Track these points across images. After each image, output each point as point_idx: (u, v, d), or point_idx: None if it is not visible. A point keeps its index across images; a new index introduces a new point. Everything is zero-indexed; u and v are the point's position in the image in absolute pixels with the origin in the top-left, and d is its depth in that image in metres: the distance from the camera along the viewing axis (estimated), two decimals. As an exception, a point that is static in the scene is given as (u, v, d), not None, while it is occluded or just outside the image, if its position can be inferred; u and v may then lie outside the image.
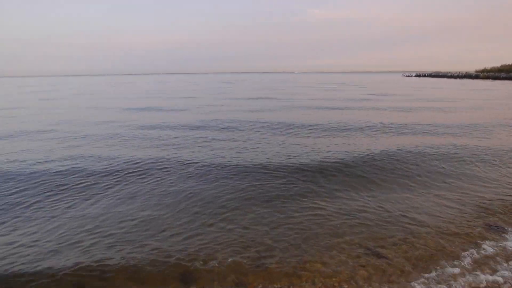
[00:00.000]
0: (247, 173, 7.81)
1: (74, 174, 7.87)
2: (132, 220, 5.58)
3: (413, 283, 4.00)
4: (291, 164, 8.38)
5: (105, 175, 7.81)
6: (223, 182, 7.33)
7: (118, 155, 9.70)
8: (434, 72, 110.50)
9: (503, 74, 69.06)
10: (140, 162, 8.81)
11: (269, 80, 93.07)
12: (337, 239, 4.97)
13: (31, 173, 7.99)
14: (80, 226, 5.38)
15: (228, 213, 5.84)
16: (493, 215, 5.80)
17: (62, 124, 15.86)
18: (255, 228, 5.31)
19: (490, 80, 68.93)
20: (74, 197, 6.59)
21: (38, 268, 4.22)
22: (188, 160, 8.99)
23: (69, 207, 6.16)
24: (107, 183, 7.32)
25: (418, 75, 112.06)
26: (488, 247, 4.74)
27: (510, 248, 4.74)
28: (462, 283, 3.99)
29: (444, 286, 3.95)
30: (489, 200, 6.43)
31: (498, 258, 4.52)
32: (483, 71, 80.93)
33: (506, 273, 4.18)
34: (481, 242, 4.89)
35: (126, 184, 7.29)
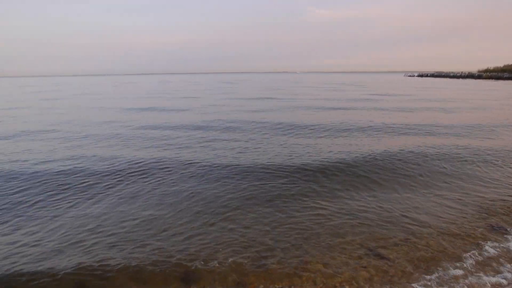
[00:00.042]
0: (248, 173, 7.81)
1: (76, 174, 7.89)
2: (134, 219, 5.59)
3: (415, 285, 3.98)
4: (292, 164, 8.37)
5: (106, 175, 7.82)
6: (224, 182, 7.33)
7: (119, 155, 9.72)
8: (436, 72, 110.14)
9: (506, 74, 68.75)
10: (141, 162, 8.83)
11: (271, 80, 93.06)
12: (338, 239, 4.97)
13: (34, 172, 8.02)
14: (82, 226, 5.39)
15: (229, 212, 5.84)
16: (495, 215, 5.77)
17: (64, 124, 15.92)
18: (256, 228, 5.31)
19: (493, 80, 68.66)
20: (76, 197, 6.61)
21: (40, 268, 4.24)
22: (189, 160, 9.00)
23: (71, 206, 6.18)
24: (108, 183, 7.34)
25: (421, 75, 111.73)
26: (490, 248, 4.71)
27: (513, 249, 4.70)
28: (465, 285, 3.96)
29: (446, 288, 3.94)
30: (491, 200, 6.41)
31: (501, 259, 4.48)
32: (486, 71, 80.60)
33: (510, 275, 4.14)
34: (483, 243, 4.87)
35: (128, 184, 7.30)
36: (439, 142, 11.10)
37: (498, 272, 4.22)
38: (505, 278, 4.08)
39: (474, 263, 4.38)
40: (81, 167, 8.41)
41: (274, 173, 7.79)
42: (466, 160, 8.92)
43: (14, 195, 6.70)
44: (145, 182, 7.41)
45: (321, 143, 11.03)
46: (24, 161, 9.15)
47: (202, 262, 4.35)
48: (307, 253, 4.61)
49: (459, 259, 4.47)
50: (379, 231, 5.19)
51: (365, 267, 4.30)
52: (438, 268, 4.28)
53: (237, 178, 7.55)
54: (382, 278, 4.09)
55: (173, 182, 7.36)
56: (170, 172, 8.06)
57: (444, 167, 8.33)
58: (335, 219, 5.62)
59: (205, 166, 8.46)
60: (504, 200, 6.42)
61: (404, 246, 4.75)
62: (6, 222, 5.59)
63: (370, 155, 9.20)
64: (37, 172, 8.07)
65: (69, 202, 6.36)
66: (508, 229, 5.30)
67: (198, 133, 13.20)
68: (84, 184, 7.26)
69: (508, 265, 4.34)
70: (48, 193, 6.81)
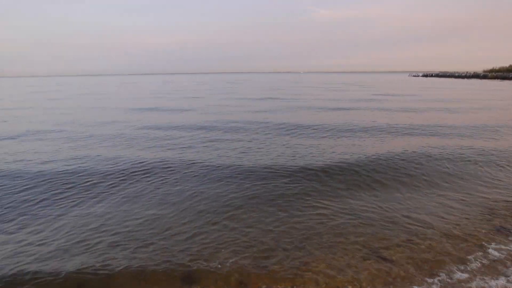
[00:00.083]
0: (251, 173, 7.81)
1: (79, 173, 7.94)
2: (137, 219, 5.62)
3: None
4: (295, 164, 8.36)
5: (110, 174, 7.86)
6: (227, 181, 7.34)
7: (123, 154, 9.77)
8: (441, 72, 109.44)
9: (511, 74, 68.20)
10: (144, 162, 8.86)
11: (275, 80, 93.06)
12: (341, 239, 4.95)
13: (38, 172, 8.08)
14: (85, 225, 5.43)
15: (232, 212, 5.85)
16: (499, 217, 5.71)
17: (67, 124, 16.02)
18: (258, 227, 5.31)
19: (499, 80, 68.09)
20: (80, 196, 6.66)
21: (43, 267, 4.27)
22: (192, 160, 9.02)
23: (75, 205, 6.23)
24: (112, 182, 7.37)
25: (425, 75, 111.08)
26: (495, 251, 4.64)
27: (519, 252, 4.62)
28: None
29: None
30: (495, 201, 6.35)
31: (507, 262, 4.40)
32: (491, 71, 79.95)
33: (517, 278, 4.04)
34: (487, 245, 4.81)
35: (131, 183, 7.34)
36: (443, 142, 11.02)
37: (505, 275, 4.13)
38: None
39: (479, 266, 4.31)
40: (85, 167, 8.46)
41: (276, 173, 7.79)
42: (470, 161, 8.85)
43: (19, 194, 6.76)
44: (148, 181, 7.44)
45: (324, 143, 11.01)
46: (28, 160, 9.24)
47: (204, 262, 4.36)
48: (310, 253, 4.61)
49: (463, 261, 4.41)
50: (382, 232, 5.17)
51: (367, 268, 4.28)
52: (442, 271, 4.23)
53: (239, 177, 7.55)
54: (384, 280, 4.06)
55: (176, 182, 7.38)
56: (173, 171, 8.08)
57: (448, 168, 8.27)
58: (338, 219, 5.60)
59: (208, 166, 8.48)
60: (509, 201, 6.36)
61: (406, 248, 4.72)
62: (12, 220, 5.65)
63: (373, 155, 9.17)
64: (41, 171, 8.13)
65: (73, 201, 6.41)
66: (513, 231, 5.24)
67: (201, 133, 13.23)
68: (88, 184, 7.30)
69: (515, 268, 4.24)
70: (53, 192, 6.86)
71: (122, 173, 7.95)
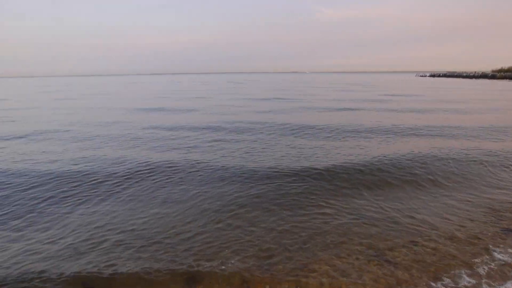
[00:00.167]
0: (255, 173, 7.80)
1: (86, 173, 8.03)
2: (142, 218, 5.66)
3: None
4: (299, 164, 8.34)
5: (115, 173, 7.93)
6: (231, 181, 7.36)
7: (128, 154, 9.86)
8: (449, 72, 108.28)
9: (521, 74, 67.19)
10: (150, 162, 8.92)
11: (280, 80, 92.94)
12: (345, 240, 4.93)
13: (46, 170, 8.20)
14: (91, 223, 5.49)
15: (235, 211, 5.87)
16: (506, 219, 5.63)
17: (74, 124, 16.19)
18: (262, 227, 5.31)
19: (507, 80, 67.13)
20: (86, 194, 6.74)
21: (47, 266, 4.32)
22: (197, 160, 9.05)
23: (81, 203, 6.31)
24: (117, 181, 7.44)
25: (433, 75, 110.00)
26: (503, 254, 4.56)
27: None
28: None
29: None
30: (502, 203, 6.26)
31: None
32: (500, 71, 78.81)
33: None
34: (495, 248, 4.74)
35: (136, 182, 7.40)
36: (449, 143, 10.91)
37: (513, 280, 4.03)
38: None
39: (485, 269, 4.23)
40: (91, 166, 8.56)
41: (281, 172, 7.77)
42: (476, 162, 8.74)
43: (27, 191, 6.87)
44: (153, 181, 7.49)
45: (329, 144, 10.97)
46: (36, 159, 9.38)
47: (208, 262, 4.37)
48: (314, 254, 4.59)
49: (469, 265, 4.34)
50: (387, 233, 5.13)
51: (371, 269, 4.25)
52: (447, 274, 4.17)
53: (244, 177, 7.56)
54: (388, 282, 4.03)
55: (181, 181, 7.42)
56: (177, 171, 8.12)
57: (454, 169, 8.18)
58: (342, 219, 5.58)
59: (212, 165, 8.50)
60: (516, 203, 6.28)
61: (411, 249, 4.68)
62: (20, 217, 5.75)
63: (378, 155, 9.10)
64: (49, 170, 8.24)
65: (79, 199, 6.49)
66: (521, 234, 5.17)
67: (205, 133, 13.28)
68: (94, 182, 7.38)
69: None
70: (59, 190, 6.95)
71: (128, 172, 8.01)
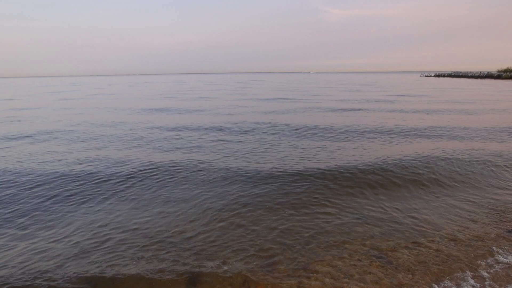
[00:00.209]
0: (258, 172, 7.81)
1: (90, 172, 8.10)
2: (145, 217, 5.70)
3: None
4: (303, 164, 8.34)
5: (119, 173, 7.99)
6: (234, 180, 7.38)
7: (132, 154, 9.94)
8: (454, 72, 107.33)
9: (528, 74, 66.33)
10: (153, 161, 8.98)
11: (285, 80, 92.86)
12: (348, 241, 4.92)
13: (50, 169, 8.29)
14: (94, 222, 5.54)
15: (238, 211, 5.89)
16: (511, 220, 5.58)
17: (80, 124, 16.32)
18: (265, 227, 5.32)
19: (514, 80, 66.41)
20: (90, 193, 6.80)
21: (50, 266, 4.36)
22: (200, 160, 9.09)
23: (85, 202, 6.38)
24: (121, 180, 7.49)
25: (438, 75, 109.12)
26: (507, 256, 4.51)
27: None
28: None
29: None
30: (507, 204, 6.20)
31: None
32: (506, 70, 77.91)
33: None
34: (499, 250, 4.69)
35: (140, 180, 7.46)
36: (454, 144, 10.83)
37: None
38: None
39: (490, 272, 4.18)
40: (95, 165, 8.64)
41: (284, 172, 7.77)
42: (481, 162, 8.66)
43: (31, 190, 6.94)
44: (156, 180, 7.54)
45: (332, 144, 10.94)
46: (41, 159, 9.49)
47: (210, 261, 4.39)
48: (316, 254, 4.59)
49: (473, 267, 4.30)
50: (390, 233, 5.11)
51: (373, 271, 4.23)
52: (450, 277, 4.13)
53: (247, 176, 7.58)
54: (390, 284, 4.02)
55: (184, 181, 7.46)
56: (180, 171, 8.16)
57: (458, 169, 8.12)
58: (345, 219, 5.57)
59: (215, 165, 8.53)
60: (521, 204, 6.21)
61: (414, 251, 4.66)
62: (25, 215, 5.83)
63: (382, 156, 9.07)
64: (53, 169, 8.33)
65: (83, 198, 6.56)
66: (525, 236, 5.11)
67: (209, 133, 13.32)
68: (98, 182, 7.44)
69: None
70: (64, 189, 7.03)
71: (131, 172, 8.07)
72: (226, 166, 8.40)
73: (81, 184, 7.28)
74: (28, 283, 4.04)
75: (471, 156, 9.20)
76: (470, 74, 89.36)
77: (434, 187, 7.08)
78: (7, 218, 5.77)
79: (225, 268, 4.27)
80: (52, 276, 4.14)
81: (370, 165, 8.20)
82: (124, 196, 6.68)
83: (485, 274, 4.16)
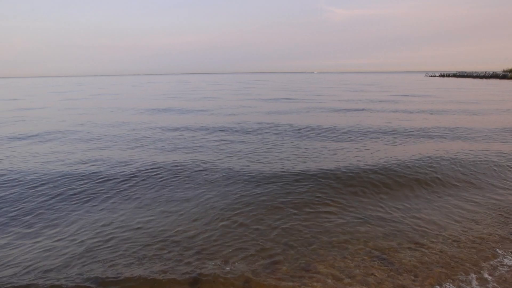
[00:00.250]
0: (260, 172, 7.82)
1: (94, 171, 8.16)
2: (148, 216, 5.73)
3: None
4: (306, 165, 8.33)
5: (122, 172, 8.03)
6: (237, 180, 7.38)
7: (136, 154, 10.00)
8: (458, 71, 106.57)
9: (534, 74, 65.68)
10: (156, 161, 9.01)
11: (289, 80, 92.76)
12: (350, 241, 4.91)
13: (55, 169, 8.36)
14: (97, 221, 5.58)
15: (240, 210, 5.90)
16: (516, 222, 5.54)
17: (84, 124, 16.41)
18: (267, 227, 5.33)
19: (520, 80, 65.80)
20: (93, 192, 6.84)
21: (51, 266, 4.39)
22: (203, 160, 9.11)
23: (88, 201, 6.44)
24: (124, 179, 7.53)
25: (442, 75, 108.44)
26: (511, 258, 4.47)
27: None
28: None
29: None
30: (511, 205, 6.15)
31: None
32: (511, 70, 77.30)
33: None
34: (503, 252, 4.65)
35: (142, 180, 7.49)
36: (458, 144, 10.75)
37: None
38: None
39: (494, 274, 4.14)
40: (99, 165, 8.70)
41: (287, 172, 7.77)
42: (484, 163, 8.60)
43: (36, 189, 7.00)
44: (159, 180, 7.56)
45: (335, 144, 10.92)
46: (46, 159, 9.57)
47: (212, 261, 4.40)
48: (318, 254, 4.59)
49: (476, 269, 4.26)
50: (392, 234, 5.09)
51: (375, 272, 4.22)
52: (453, 278, 4.09)
53: (249, 176, 7.58)
54: (392, 284, 4.00)
55: (187, 181, 7.48)
56: (183, 170, 8.19)
57: (462, 170, 8.06)
58: (348, 219, 5.56)
59: (218, 165, 8.55)
60: (526, 206, 6.16)
61: (417, 252, 4.63)
62: (30, 214, 5.89)
63: (385, 158, 9.03)
64: (57, 169, 8.40)
65: (87, 197, 6.61)
66: (530, 237, 5.06)
67: (212, 133, 13.35)
68: (101, 181, 7.49)
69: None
70: (68, 187, 7.08)
71: (134, 171, 8.10)
72: (229, 166, 8.42)
73: (85, 183, 7.34)
74: (32, 282, 4.07)
75: (475, 157, 9.13)
76: (475, 74, 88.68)
77: (437, 187, 7.04)
78: (13, 216, 5.83)
79: (227, 268, 4.27)
80: (56, 275, 4.17)
81: (373, 165, 8.17)
82: (128, 195, 6.71)
83: (489, 277, 4.11)
